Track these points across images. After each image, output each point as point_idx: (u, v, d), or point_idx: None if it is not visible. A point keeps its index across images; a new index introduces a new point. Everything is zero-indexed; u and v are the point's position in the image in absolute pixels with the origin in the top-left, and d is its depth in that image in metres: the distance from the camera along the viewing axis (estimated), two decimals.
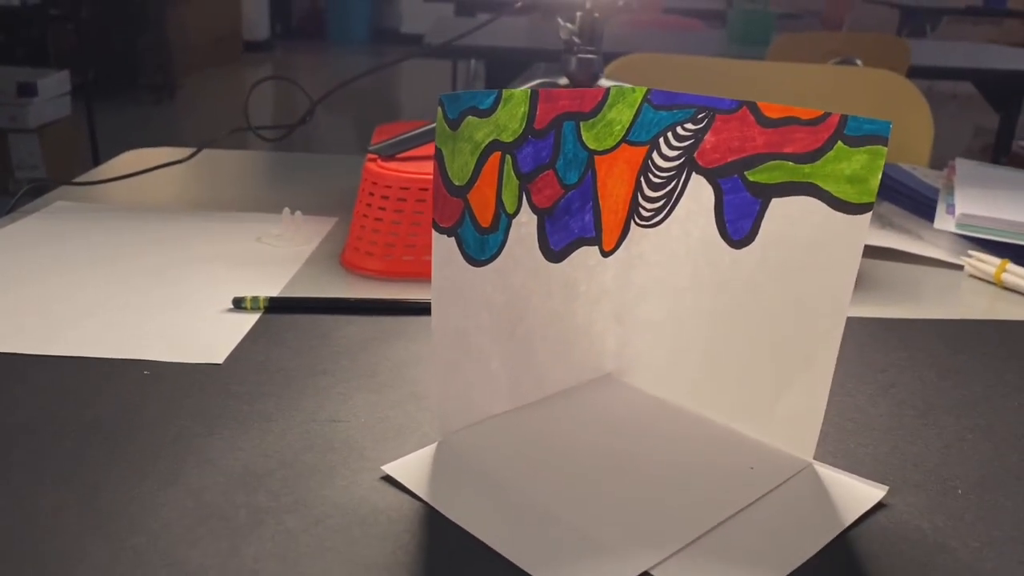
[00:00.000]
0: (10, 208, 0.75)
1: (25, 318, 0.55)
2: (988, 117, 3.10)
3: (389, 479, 0.40)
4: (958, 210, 0.75)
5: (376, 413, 0.45)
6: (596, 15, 0.73)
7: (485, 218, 0.42)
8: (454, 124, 0.40)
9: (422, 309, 0.58)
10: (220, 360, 0.50)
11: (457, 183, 0.41)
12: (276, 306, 0.57)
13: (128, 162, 0.94)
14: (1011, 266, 0.69)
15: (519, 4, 0.77)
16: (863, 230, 0.40)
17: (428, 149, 0.70)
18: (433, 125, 0.70)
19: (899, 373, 0.54)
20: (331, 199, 0.83)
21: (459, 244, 0.42)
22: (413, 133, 0.69)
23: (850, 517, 0.39)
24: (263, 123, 0.79)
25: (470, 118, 0.40)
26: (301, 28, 6.68)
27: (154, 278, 0.62)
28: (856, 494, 0.40)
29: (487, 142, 0.41)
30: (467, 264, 0.42)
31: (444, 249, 0.41)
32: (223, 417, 0.44)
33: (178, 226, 0.73)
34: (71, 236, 0.70)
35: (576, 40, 0.74)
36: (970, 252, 0.72)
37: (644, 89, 0.45)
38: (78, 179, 0.85)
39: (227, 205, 0.81)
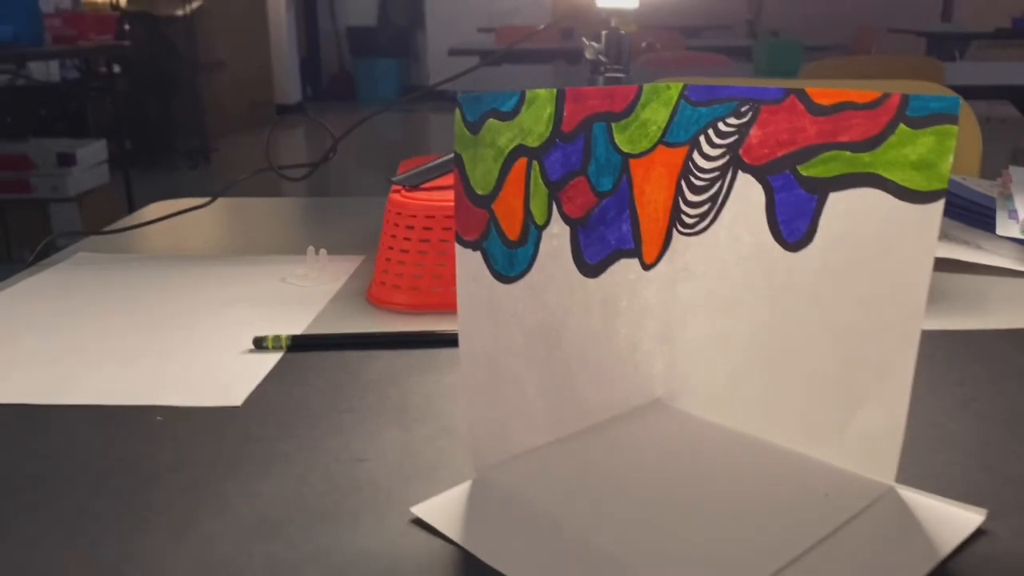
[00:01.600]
0: (31, 260, 0.73)
1: (38, 368, 0.52)
2: None
3: (419, 522, 0.35)
4: (1022, 215, 0.70)
5: (405, 450, 0.42)
6: (623, 32, 0.70)
7: (513, 230, 0.39)
8: (474, 127, 0.36)
9: (452, 340, 0.54)
10: (238, 402, 0.47)
11: (480, 192, 0.37)
12: (299, 344, 0.54)
13: (153, 213, 0.92)
14: None
15: (542, 26, 0.75)
16: (936, 220, 0.35)
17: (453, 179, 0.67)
18: None
19: (977, 386, 0.49)
20: (357, 238, 0.81)
21: (486, 259, 0.38)
22: (437, 162, 0.66)
23: (947, 546, 0.34)
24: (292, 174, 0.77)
25: (492, 121, 0.37)
26: (331, 90, 6.81)
27: (172, 323, 0.59)
28: (951, 520, 0.35)
29: (511, 147, 0.38)
30: (495, 280, 0.39)
31: (469, 265, 0.38)
32: (240, 461, 0.41)
33: (199, 271, 0.71)
34: (90, 286, 0.68)
35: (603, 59, 0.71)
36: None
37: (680, 84, 0.42)
38: (103, 230, 0.84)
39: (251, 249, 0.79)
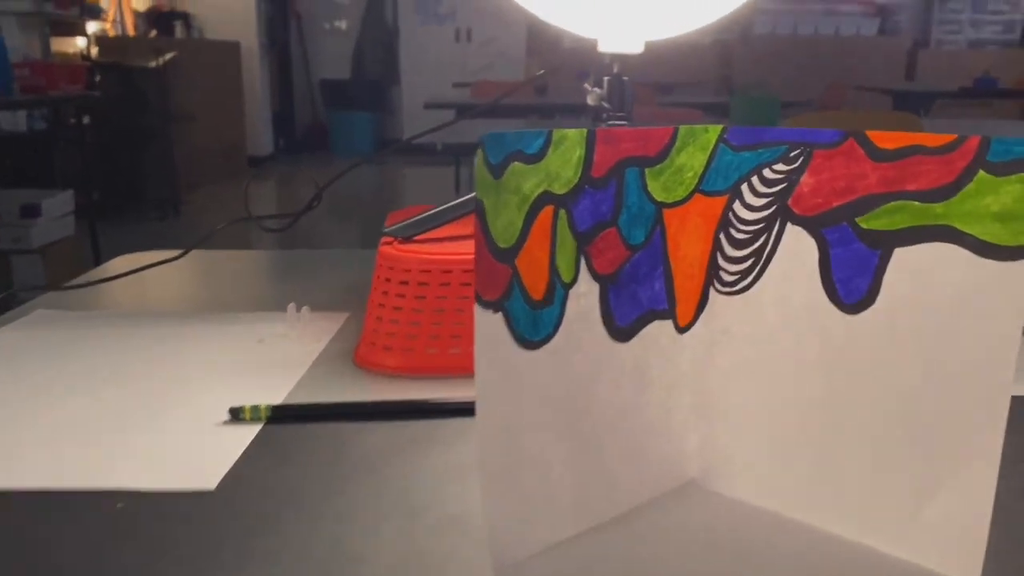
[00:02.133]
0: None
1: None
2: None
3: None
4: None
5: (410, 546, 0.36)
6: (625, 78, 0.67)
7: (537, 288, 0.34)
8: (497, 171, 0.32)
9: (456, 410, 0.49)
10: (212, 486, 0.41)
11: (503, 245, 0.32)
12: (280, 415, 0.48)
13: (119, 267, 0.86)
14: None
15: (542, 71, 0.71)
16: (1023, 279, 0.31)
17: (449, 230, 0.62)
18: (455, 202, 0.62)
19: None
20: (341, 295, 0.75)
21: (507, 321, 0.33)
22: (433, 212, 0.61)
23: None
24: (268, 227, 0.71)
25: (516, 164, 0.32)
26: (304, 142, 6.78)
27: (137, 393, 0.53)
28: None
29: (537, 194, 0.33)
30: (517, 346, 0.33)
31: (489, 328, 0.32)
32: (215, 558, 0.34)
33: (168, 331, 0.65)
34: (45, 347, 0.61)
35: (606, 105, 0.67)
36: None
37: (719, 127, 0.37)
38: (64, 285, 0.78)
39: (227, 307, 0.73)
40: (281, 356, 0.59)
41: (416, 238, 0.60)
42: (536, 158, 0.33)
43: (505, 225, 0.32)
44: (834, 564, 0.35)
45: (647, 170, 0.36)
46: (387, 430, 0.47)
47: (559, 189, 0.34)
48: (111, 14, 5.14)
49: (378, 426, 0.47)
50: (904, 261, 0.34)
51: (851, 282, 0.35)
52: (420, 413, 0.49)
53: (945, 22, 4.42)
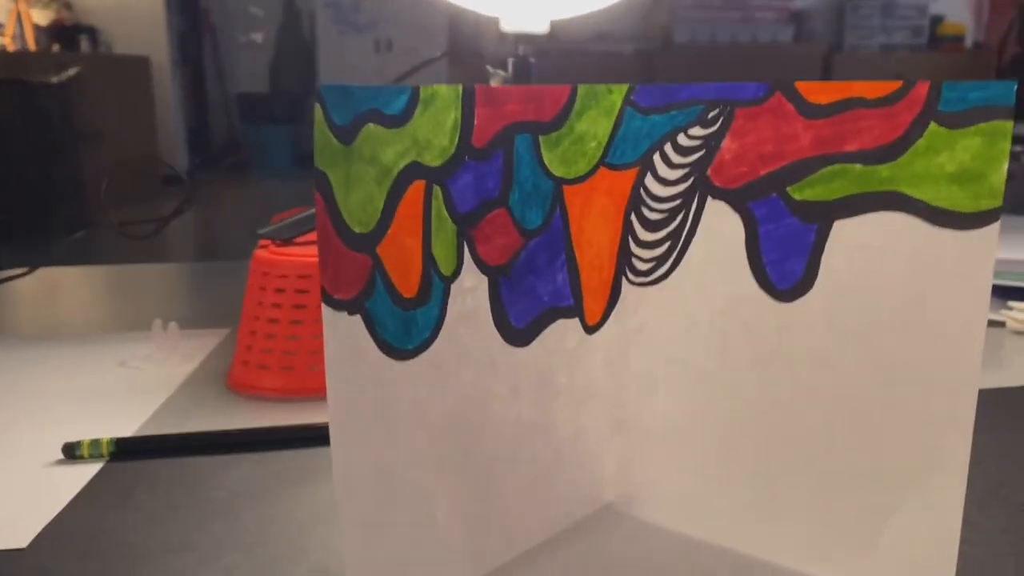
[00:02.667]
0: None
1: None
2: None
3: None
4: None
5: None
6: (531, 59, 0.61)
7: (408, 284, 0.27)
8: (344, 134, 0.25)
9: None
10: (23, 543, 0.33)
11: (358, 230, 0.26)
12: (125, 450, 0.40)
13: None
14: None
15: (440, 54, 0.65)
16: (990, 251, 0.26)
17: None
18: None
19: (996, 465, 0.39)
20: (220, 310, 0.67)
21: (369, 325, 0.26)
22: (314, 211, 0.54)
23: None
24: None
25: (371, 127, 0.26)
26: (220, 160, 6.58)
27: None
28: None
29: (402, 166, 0.27)
30: (385, 356, 0.27)
31: (344, 335, 0.26)
32: None
33: (6, 357, 0.56)
34: None
35: None
36: (1010, 304, 0.60)
37: (625, 87, 0.32)
38: None
39: (85, 328, 0.64)
40: (143, 380, 0.51)
41: (297, 240, 0.53)
42: (399, 121, 0.26)
43: (360, 204, 0.26)
44: None
45: (541, 138, 0.30)
46: (252, 464, 0.40)
47: (431, 161, 0.27)
48: (10, 29, 4.90)
49: (241, 459, 0.40)
50: (845, 236, 0.28)
51: (784, 264, 0.30)
52: (289, 442, 0.41)
53: (857, 27, 4.53)
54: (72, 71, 4.41)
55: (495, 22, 0.60)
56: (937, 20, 4.53)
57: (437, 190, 0.28)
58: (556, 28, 0.64)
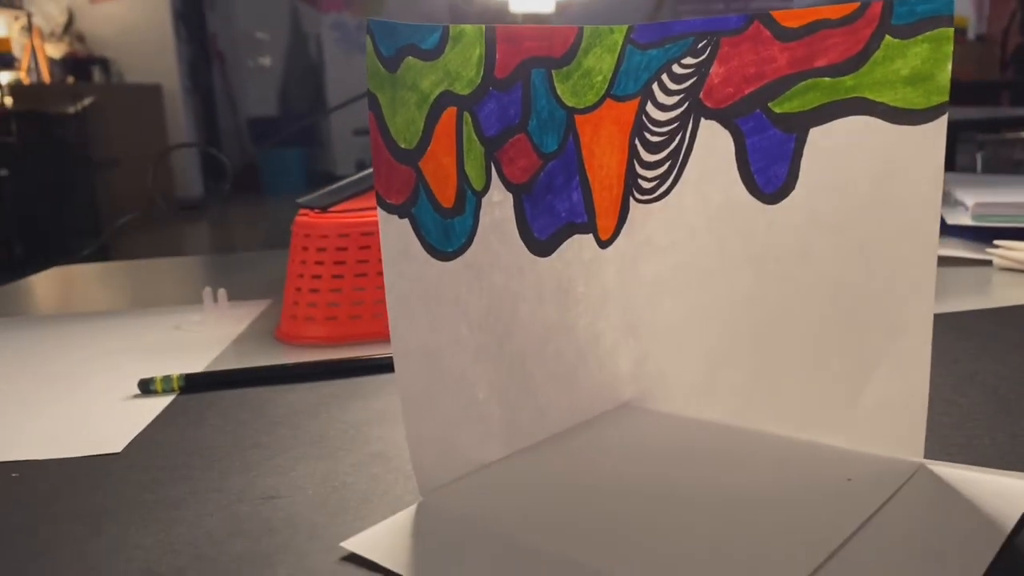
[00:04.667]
0: None
1: None
2: None
3: (354, 557, 0.27)
4: (970, 202, 0.67)
5: (329, 482, 0.33)
6: None
7: (446, 195, 0.32)
8: (390, 64, 0.30)
9: (378, 366, 0.47)
10: (117, 449, 0.38)
11: (404, 146, 0.31)
12: (194, 384, 0.45)
13: (50, 276, 0.82)
14: None
15: None
16: (940, 140, 0.30)
17: (367, 200, 0.60)
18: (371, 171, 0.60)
19: (974, 361, 0.43)
20: (263, 286, 0.72)
21: (415, 228, 0.31)
22: (350, 180, 0.59)
23: (1009, 521, 0.28)
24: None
25: (411, 59, 0.31)
26: (235, 183, 6.67)
27: (44, 376, 0.50)
28: (1004, 492, 0.29)
29: (437, 93, 0.31)
30: (429, 256, 0.32)
31: (396, 235, 0.30)
32: (115, 511, 0.32)
33: (82, 327, 0.61)
34: None
35: None
36: (996, 243, 0.64)
37: (625, 27, 0.36)
38: None
39: (144, 304, 0.69)
40: (198, 339, 0.56)
41: (332, 208, 0.58)
42: (433, 55, 0.31)
43: (405, 124, 0.31)
44: (781, 462, 0.33)
45: (554, 72, 0.35)
46: (305, 390, 0.44)
47: (461, 90, 0.32)
48: (25, 62, 5.01)
49: (296, 387, 0.45)
50: (820, 141, 0.33)
51: (769, 170, 0.34)
52: (339, 372, 0.46)
53: None
54: (87, 100, 4.51)
55: (504, 4, 0.65)
56: None
57: (467, 116, 0.32)
58: (562, 9, 0.68)
